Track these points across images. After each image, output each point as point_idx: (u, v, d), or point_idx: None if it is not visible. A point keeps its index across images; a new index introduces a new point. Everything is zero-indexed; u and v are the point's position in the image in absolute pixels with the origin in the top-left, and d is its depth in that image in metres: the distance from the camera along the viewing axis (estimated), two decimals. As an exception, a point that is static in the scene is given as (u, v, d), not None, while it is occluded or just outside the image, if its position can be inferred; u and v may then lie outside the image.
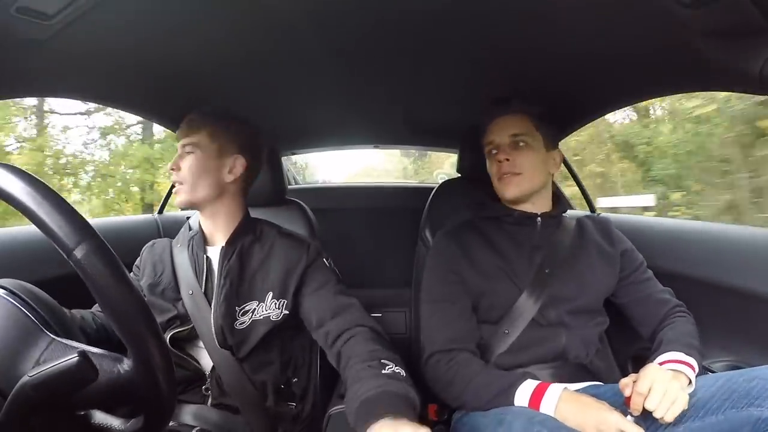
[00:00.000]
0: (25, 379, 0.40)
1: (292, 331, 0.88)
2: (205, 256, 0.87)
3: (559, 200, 0.97)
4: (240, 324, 0.82)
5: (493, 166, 0.93)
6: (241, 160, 0.88)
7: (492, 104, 0.95)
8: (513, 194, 0.90)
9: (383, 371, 0.65)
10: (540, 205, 0.94)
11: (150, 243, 0.96)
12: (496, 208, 0.97)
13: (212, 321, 0.81)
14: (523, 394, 0.71)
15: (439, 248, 0.96)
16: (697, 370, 0.73)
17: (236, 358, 0.81)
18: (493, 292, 0.87)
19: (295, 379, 0.90)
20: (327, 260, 0.91)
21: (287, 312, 0.83)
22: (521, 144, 0.90)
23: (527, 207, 0.93)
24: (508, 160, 0.89)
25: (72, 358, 0.40)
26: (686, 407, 0.64)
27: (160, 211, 1.50)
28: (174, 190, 0.87)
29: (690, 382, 0.70)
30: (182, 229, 0.97)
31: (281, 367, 0.86)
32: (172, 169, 0.85)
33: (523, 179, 0.89)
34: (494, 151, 0.92)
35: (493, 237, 0.93)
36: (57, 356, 0.46)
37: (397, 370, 0.66)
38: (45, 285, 0.59)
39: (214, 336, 0.81)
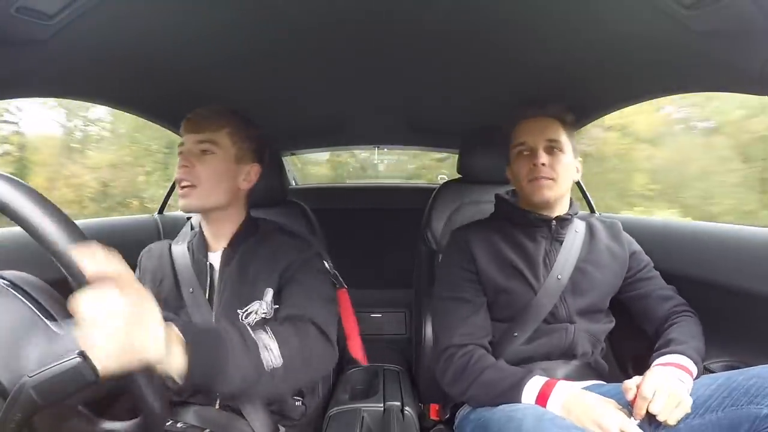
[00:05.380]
0: (24, 379, 0.40)
1: None
2: (207, 262, 0.84)
3: (572, 202, 0.96)
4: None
5: (523, 167, 0.89)
6: (257, 167, 0.84)
7: (527, 105, 0.93)
8: (546, 198, 0.88)
9: (242, 334, 0.59)
10: (558, 210, 0.92)
11: (146, 248, 0.92)
12: (513, 210, 0.95)
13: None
14: (531, 391, 0.72)
15: (454, 246, 0.95)
16: (695, 375, 0.73)
17: None
18: (508, 291, 0.87)
19: None
20: (327, 262, 0.89)
21: (277, 306, 0.79)
22: (556, 150, 0.88)
23: (545, 210, 0.92)
24: (544, 164, 0.86)
25: (72, 359, 0.40)
26: (689, 411, 0.64)
27: (160, 211, 1.49)
28: (180, 192, 0.79)
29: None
30: (183, 230, 0.96)
31: None
32: (185, 166, 0.77)
33: (556, 185, 0.87)
34: (526, 153, 0.90)
35: (508, 238, 0.92)
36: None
37: (268, 361, 0.60)
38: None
39: None
